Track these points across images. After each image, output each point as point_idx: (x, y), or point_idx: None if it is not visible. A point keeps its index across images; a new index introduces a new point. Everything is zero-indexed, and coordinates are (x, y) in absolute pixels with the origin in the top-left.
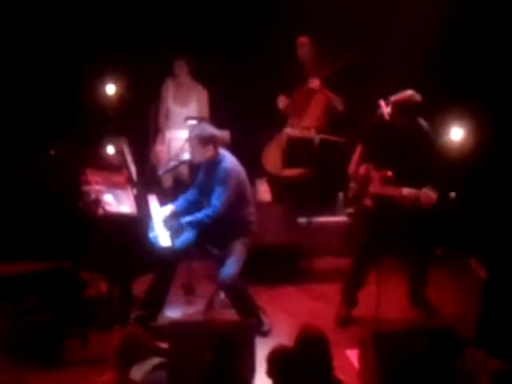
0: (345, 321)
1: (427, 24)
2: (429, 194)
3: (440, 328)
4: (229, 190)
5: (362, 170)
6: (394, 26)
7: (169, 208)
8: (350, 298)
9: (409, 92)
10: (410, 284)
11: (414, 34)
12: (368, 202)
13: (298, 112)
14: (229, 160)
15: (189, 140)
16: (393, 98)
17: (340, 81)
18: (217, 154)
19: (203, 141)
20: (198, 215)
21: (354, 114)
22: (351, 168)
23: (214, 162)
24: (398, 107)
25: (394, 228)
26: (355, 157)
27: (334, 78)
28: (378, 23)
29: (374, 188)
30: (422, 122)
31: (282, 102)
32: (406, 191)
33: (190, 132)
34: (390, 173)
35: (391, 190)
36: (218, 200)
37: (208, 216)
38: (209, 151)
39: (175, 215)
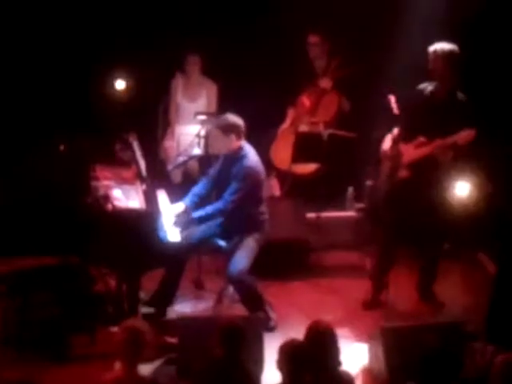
0: (371, 304)
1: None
2: (465, 132)
3: (448, 323)
4: (245, 188)
5: (389, 149)
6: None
7: (180, 206)
8: (378, 282)
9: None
10: (420, 278)
11: None
12: (404, 172)
13: (308, 111)
14: (251, 158)
15: (212, 132)
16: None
17: (349, 82)
18: (240, 147)
19: (225, 130)
20: (209, 209)
21: (361, 113)
22: (385, 146)
23: (236, 156)
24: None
25: (421, 203)
26: (390, 137)
27: (346, 80)
28: (387, 26)
29: (408, 157)
30: (460, 94)
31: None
32: (440, 141)
33: (204, 125)
34: (422, 138)
35: (425, 149)
36: (231, 196)
37: (219, 210)
38: (232, 141)
39: (187, 212)
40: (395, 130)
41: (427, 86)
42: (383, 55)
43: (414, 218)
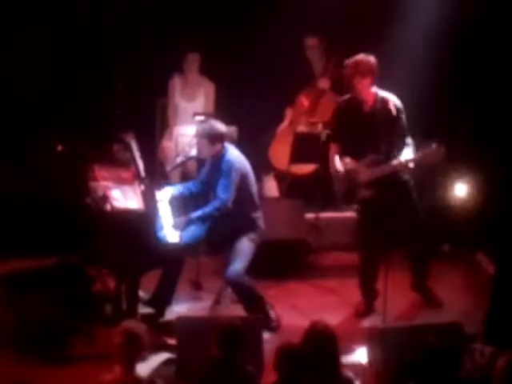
0: (364, 314)
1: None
2: (433, 150)
3: (447, 323)
4: (234, 181)
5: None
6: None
7: (167, 191)
8: (367, 291)
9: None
10: (413, 279)
11: None
12: (365, 192)
13: (307, 111)
14: (232, 152)
15: (197, 137)
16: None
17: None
18: (223, 148)
19: (212, 139)
20: (206, 209)
21: None
22: (332, 167)
23: (219, 156)
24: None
25: (392, 213)
26: (331, 156)
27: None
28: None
29: (364, 176)
30: (382, 93)
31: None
32: (399, 162)
33: (198, 128)
34: (374, 156)
35: (385, 168)
36: (224, 192)
37: (217, 208)
38: (216, 148)
39: (176, 202)
40: (332, 147)
41: (350, 97)
42: (381, 55)
43: (388, 232)
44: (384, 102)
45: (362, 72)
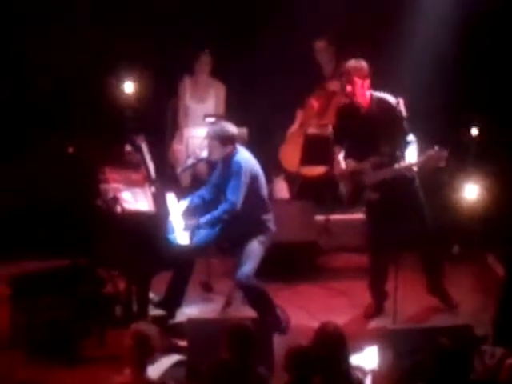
0: (373, 315)
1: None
2: (436, 153)
3: (458, 325)
4: (244, 183)
5: (345, 169)
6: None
7: (183, 205)
8: (377, 293)
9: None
10: (428, 280)
11: None
12: (371, 195)
13: (317, 113)
14: (242, 154)
15: (208, 139)
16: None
17: None
18: (234, 150)
19: (223, 141)
20: (215, 213)
21: None
22: (337, 169)
23: (229, 158)
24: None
25: (400, 214)
26: (336, 158)
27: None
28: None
29: (369, 178)
30: (376, 94)
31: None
32: (403, 165)
33: (209, 130)
34: (376, 158)
35: (389, 172)
36: (234, 194)
37: (226, 211)
38: (227, 149)
39: (191, 213)
40: (336, 150)
41: (348, 102)
42: (393, 55)
43: (397, 233)
44: (380, 103)
45: (355, 80)
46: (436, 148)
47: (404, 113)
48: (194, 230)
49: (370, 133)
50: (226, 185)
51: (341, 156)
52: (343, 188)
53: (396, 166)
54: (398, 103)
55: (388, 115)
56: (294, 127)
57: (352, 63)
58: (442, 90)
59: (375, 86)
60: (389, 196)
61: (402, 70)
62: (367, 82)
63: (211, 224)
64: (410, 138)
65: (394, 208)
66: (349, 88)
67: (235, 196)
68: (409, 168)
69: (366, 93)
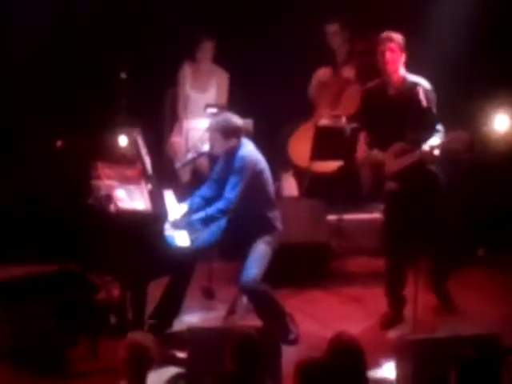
0: (391, 324)
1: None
2: (458, 135)
3: (483, 335)
4: (245, 180)
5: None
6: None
7: (183, 207)
8: (395, 299)
9: None
10: (431, 279)
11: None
12: (391, 185)
13: (330, 102)
14: (246, 147)
15: (209, 131)
16: None
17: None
18: (238, 143)
19: (226, 133)
20: (209, 210)
21: None
22: (359, 155)
23: (233, 152)
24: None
25: (420, 209)
26: (361, 142)
27: (369, 68)
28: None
29: (392, 167)
30: (411, 77)
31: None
32: (424, 150)
33: (211, 122)
34: (399, 144)
35: (409, 158)
36: (231, 192)
37: (219, 210)
38: (231, 143)
39: (188, 214)
40: (362, 136)
41: (376, 82)
42: (411, 39)
43: (416, 227)
44: (412, 86)
45: (393, 48)
46: (458, 131)
47: (434, 100)
48: (183, 228)
49: (396, 116)
50: (229, 181)
51: (364, 144)
52: (364, 178)
53: (418, 151)
54: (430, 89)
55: (419, 100)
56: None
57: (393, 33)
58: (465, 76)
59: None
60: (409, 187)
61: (425, 56)
62: (403, 57)
63: (204, 222)
64: (439, 127)
65: (414, 201)
66: (388, 55)
67: (232, 193)
68: (430, 153)
69: (399, 67)
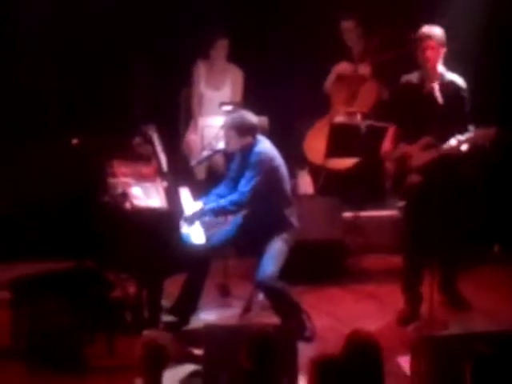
0: (407, 321)
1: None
2: (483, 130)
3: (501, 331)
4: (260, 174)
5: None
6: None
7: (199, 205)
8: (411, 297)
9: None
10: (440, 277)
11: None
12: (414, 177)
13: (345, 99)
14: (263, 144)
15: (225, 128)
16: None
17: (390, 67)
18: (253, 141)
19: (241, 131)
20: (222, 201)
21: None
22: (385, 147)
23: (249, 149)
24: None
25: (442, 206)
26: (388, 138)
27: (386, 65)
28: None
29: (417, 161)
30: (448, 74)
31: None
32: (450, 143)
33: (227, 119)
34: (427, 138)
35: (436, 152)
36: (246, 186)
37: (232, 202)
38: (246, 140)
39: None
40: (390, 129)
41: (414, 75)
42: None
43: (436, 224)
44: (448, 83)
45: (433, 45)
46: (484, 126)
47: (468, 99)
48: (197, 219)
49: (428, 114)
50: (244, 175)
51: (391, 137)
52: (388, 171)
53: (444, 145)
54: (465, 88)
55: (453, 98)
56: None
57: (430, 28)
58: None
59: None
60: (432, 180)
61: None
62: (443, 51)
63: (215, 213)
64: (471, 128)
65: (434, 195)
66: (428, 53)
67: (246, 187)
68: (457, 148)
69: (438, 64)
